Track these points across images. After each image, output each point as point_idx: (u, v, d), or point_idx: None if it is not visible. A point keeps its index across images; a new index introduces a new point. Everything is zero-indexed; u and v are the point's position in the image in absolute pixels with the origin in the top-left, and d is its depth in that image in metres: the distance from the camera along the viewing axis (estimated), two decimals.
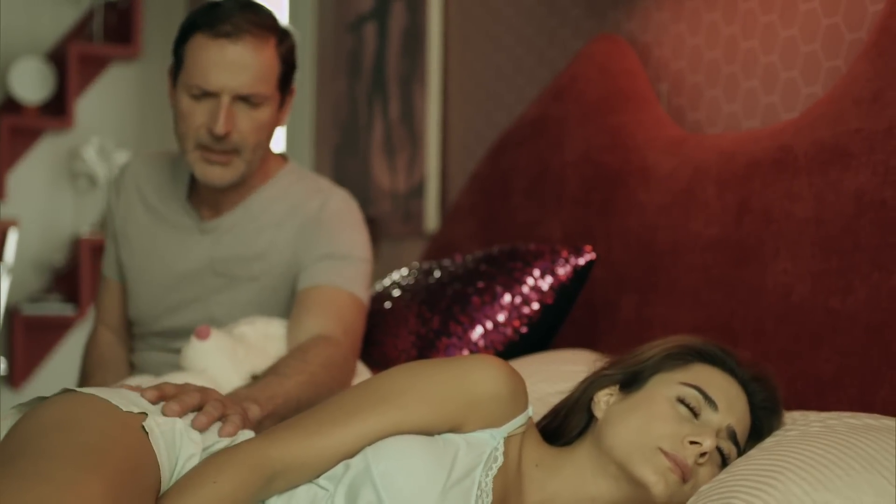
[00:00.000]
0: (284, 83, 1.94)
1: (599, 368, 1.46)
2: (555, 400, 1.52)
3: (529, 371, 1.67)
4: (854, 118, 1.63)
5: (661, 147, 2.07)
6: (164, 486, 1.25)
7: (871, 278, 1.54)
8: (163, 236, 2.03)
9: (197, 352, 1.74)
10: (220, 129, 1.84)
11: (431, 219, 3.21)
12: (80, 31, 4.97)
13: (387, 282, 2.26)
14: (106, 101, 5.02)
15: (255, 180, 2.00)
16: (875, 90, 1.61)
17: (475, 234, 2.54)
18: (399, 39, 3.47)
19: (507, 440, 1.34)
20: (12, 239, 4.55)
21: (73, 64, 4.74)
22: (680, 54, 2.22)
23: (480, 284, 2.00)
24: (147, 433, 1.26)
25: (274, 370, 1.71)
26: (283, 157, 2.08)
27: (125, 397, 1.32)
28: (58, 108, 4.84)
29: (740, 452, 1.35)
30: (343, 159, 3.83)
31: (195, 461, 1.30)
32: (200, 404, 1.38)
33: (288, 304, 1.96)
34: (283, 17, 3.12)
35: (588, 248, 2.01)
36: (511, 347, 1.97)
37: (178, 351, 1.93)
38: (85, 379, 2.08)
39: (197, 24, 1.87)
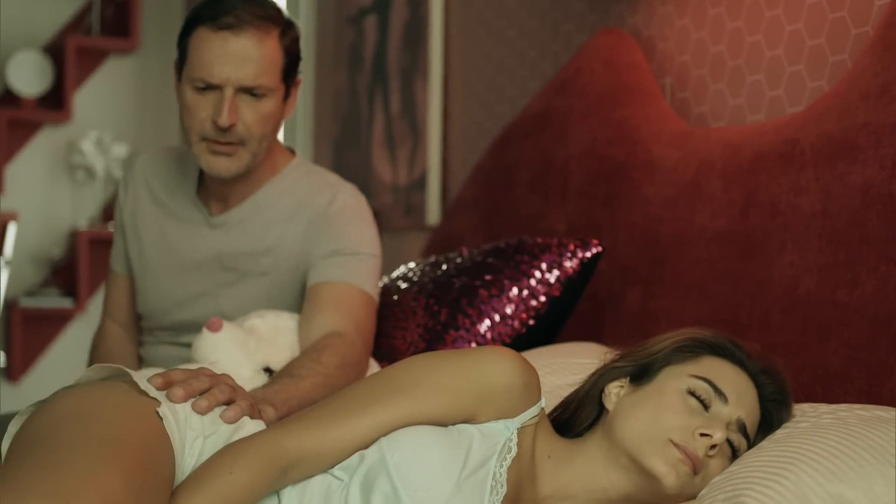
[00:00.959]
0: (289, 74, 1.93)
1: (610, 361, 1.47)
2: (565, 392, 1.53)
3: (538, 364, 1.66)
4: (861, 112, 1.63)
5: (665, 140, 2.07)
6: (178, 473, 1.26)
7: (879, 271, 1.55)
8: (171, 231, 2.02)
9: (208, 344, 1.74)
10: (223, 121, 1.84)
11: (433, 212, 3.21)
12: (78, 23, 4.96)
13: (394, 274, 2.27)
14: (104, 94, 5.01)
15: (263, 174, 1.99)
16: (882, 84, 1.62)
17: (478, 226, 2.53)
18: (400, 32, 3.47)
19: (521, 431, 1.35)
20: (11, 232, 4.54)
21: (70, 57, 4.73)
22: (684, 48, 2.23)
23: (488, 277, 2.01)
24: (161, 419, 1.27)
25: (289, 371, 1.70)
26: (290, 151, 2.07)
27: (143, 378, 1.32)
28: (56, 101, 4.82)
29: (750, 445, 1.36)
30: (343, 152, 3.83)
31: (198, 444, 1.29)
32: (209, 389, 1.36)
33: (297, 299, 1.95)
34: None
35: (595, 241, 2.01)
36: (518, 340, 1.97)
37: (186, 345, 1.93)
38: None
39: (200, 17, 1.87)
